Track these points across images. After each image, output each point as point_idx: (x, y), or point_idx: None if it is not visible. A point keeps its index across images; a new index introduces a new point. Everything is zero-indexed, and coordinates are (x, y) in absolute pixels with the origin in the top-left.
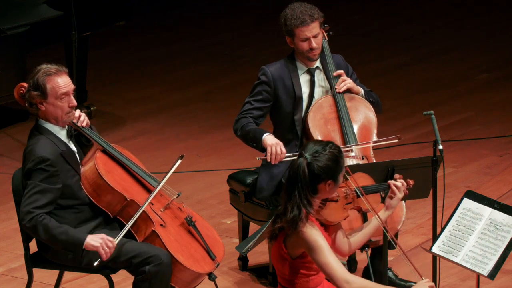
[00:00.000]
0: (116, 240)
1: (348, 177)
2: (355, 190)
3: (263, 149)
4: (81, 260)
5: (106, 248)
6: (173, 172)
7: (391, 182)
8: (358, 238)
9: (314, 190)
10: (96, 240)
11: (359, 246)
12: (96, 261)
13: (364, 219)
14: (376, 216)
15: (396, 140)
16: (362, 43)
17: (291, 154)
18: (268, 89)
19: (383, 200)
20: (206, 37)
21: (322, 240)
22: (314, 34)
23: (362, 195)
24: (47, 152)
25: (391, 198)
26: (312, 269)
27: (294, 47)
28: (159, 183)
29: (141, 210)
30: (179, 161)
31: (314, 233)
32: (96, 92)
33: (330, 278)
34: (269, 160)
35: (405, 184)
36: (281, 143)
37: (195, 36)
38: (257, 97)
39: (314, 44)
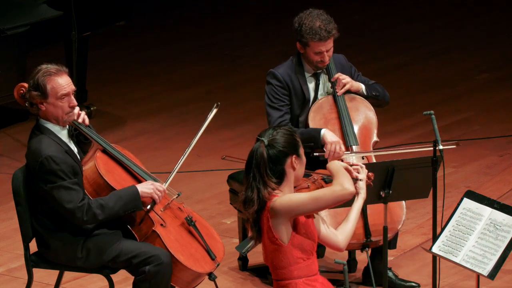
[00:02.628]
0: (165, 185)
1: (310, 173)
2: (323, 178)
3: (322, 145)
4: (83, 259)
5: (158, 192)
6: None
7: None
8: (345, 225)
9: (281, 172)
10: (148, 187)
11: (350, 233)
12: (149, 205)
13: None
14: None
15: (454, 146)
16: (362, 43)
17: (349, 152)
18: (285, 92)
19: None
20: (206, 37)
21: (292, 194)
22: (328, 49)
23: (333, 178)
24: (53, 150)
25: (356, 183)
26: (306, 251)
27: (303, 53)
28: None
29: (182, 162)
30: (215, 110)
31: (283, 196)
32: (96, 92)
33: (329, 204)
34: (327, 156)
35: (364, 168)
36: (341, 141)
37: (195, 36)
38: (281, 102)
39: (326, 58)
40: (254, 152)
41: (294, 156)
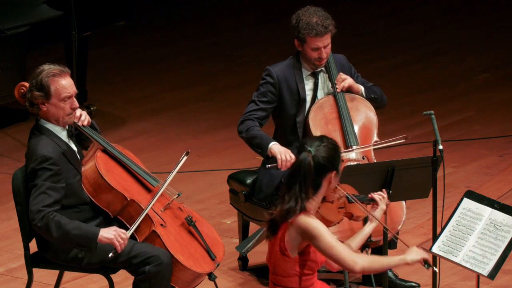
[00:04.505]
0: (129, 233)
1: (337, 185)
2: (347, 196)
3: (267, 156)
4: (95, 247)
5: (120, 240)
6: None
7: (374, 194)
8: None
9: (318, 184)
10: (110, 233)
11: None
12: (111, 252)
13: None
14: (370, 215)
15: (403, 141)
16: (362, 43)
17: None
18: (273, 90)
19: None
20: (206, 37)
21: (322, 226)
22: (325, 45)
23: (355, 200)
24: (49, 151)
25: (375, 209)
26: (311, 268)
27: (301, 51)
28: (164, 182)
29: (152, 203)
30: (184, 158)
31: (312, 221)
32: (96, 92)
33: (336, 261)
34: (279, 167)
35: (386, 196)
36: (289, 150)
37: (195, 36)
38: (263, 98)
39: (324, 54)
40: (302, 162)
41: (334, 172)
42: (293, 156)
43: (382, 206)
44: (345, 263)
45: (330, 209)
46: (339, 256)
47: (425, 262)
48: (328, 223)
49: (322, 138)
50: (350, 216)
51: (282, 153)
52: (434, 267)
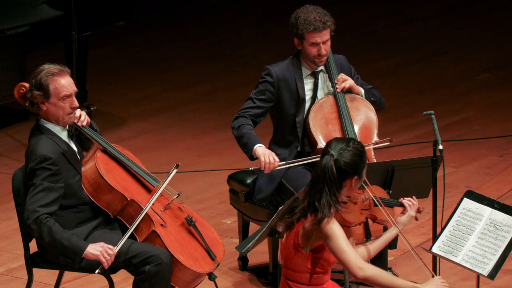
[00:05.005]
0: (116, 248)
1: (365, 186)
2: (373, 198)
3: (252, 157)
4: (79, 262)
5: (107, 256)
6: (171, 176)
7: (404, 199)
8: (368, 249)
9: (340, 186)
10: (96, 249)
11: (367, 259)
12: (98, 268)
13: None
14: (394, 223)
15: (388, 143)
16: (362, 43)
17: (284, 163)
18: (271, 89)
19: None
20: (206, 37)
21: (339, 229)
22: (324, 40)
23: (380, 205)
24: (49, 151)
25: (403, 214)
26: (323, 267)
27: (301, 49)
28: (156, 191)
29: (142, 215)
30: (174, 171)
31: (332, 224)
32: (96, 92)
33: (343, 264)
34: (262, 169)
35: (417, 204)
36: (273, 153)
37: (195, 36)
38: (260, 96)
39: (323, 51)
40: (325, 167)
41: (356, 177)
42: (277, 159)
43: (411, 212)
44: (350, 268)
45: (351, 209)
46: (347, 259)
47: None
48: (346, 223)
49: (349, 141)
50: (374, 219)
51: (266, 156)
52: None
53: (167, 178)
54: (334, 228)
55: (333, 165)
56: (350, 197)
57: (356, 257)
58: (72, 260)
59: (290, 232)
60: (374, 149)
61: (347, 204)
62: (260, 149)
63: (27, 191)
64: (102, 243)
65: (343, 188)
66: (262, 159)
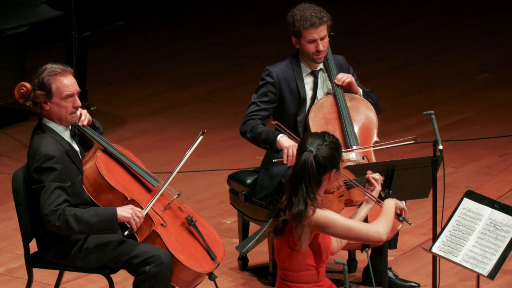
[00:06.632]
0: (145, 212)
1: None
2: (345, 182)
3: (277, 150)
4: (82, 258)
5: (136, 218)
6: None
7: (369, 175)
8: None
9: (319, 182)
10: (127, 211)
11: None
12: (126, 231)
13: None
14: (369, 195)
15: (412, 142)
16: (362, 43)
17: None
18: (273, 90)
19: (383, 198)
20: (206, 37)
21: (330, 212)
22: (321, 37)
23: (357, 185)
24: (53, 150)
25: (371, 191)
26: (321, 260)
27: (299, 47)
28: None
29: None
30: (200, 137)
31: (321, 211)
32: (96, 92)
33: (359, 239)
34: (285, 162)
35: (381, 178)
36: (296, 145)
37: (195, 36)
38: (263, 98)
39: (320, 47)
40: (305, 163)
41: (334, 170)
42: None
43: (378, 187)
44: (370, 238)
45: (332, 200)
46: (360, 233)
47: (398, 215)
48: None
49: (324, 136)
50: (350, 203)
51: (290, 148)
52: (409, 222)
53: (192, 145)
54: (326, 214)
55: (313, 161)
56: (326, 189)
57: (364, 225)
58: (111, 229)
59: (281, 235)
60: (374, 149)
61: (327, 196)
62: (284, 139)
63: (28, 191)
64: (130, 205)
65: (322, 182)
66: (285, 151)
